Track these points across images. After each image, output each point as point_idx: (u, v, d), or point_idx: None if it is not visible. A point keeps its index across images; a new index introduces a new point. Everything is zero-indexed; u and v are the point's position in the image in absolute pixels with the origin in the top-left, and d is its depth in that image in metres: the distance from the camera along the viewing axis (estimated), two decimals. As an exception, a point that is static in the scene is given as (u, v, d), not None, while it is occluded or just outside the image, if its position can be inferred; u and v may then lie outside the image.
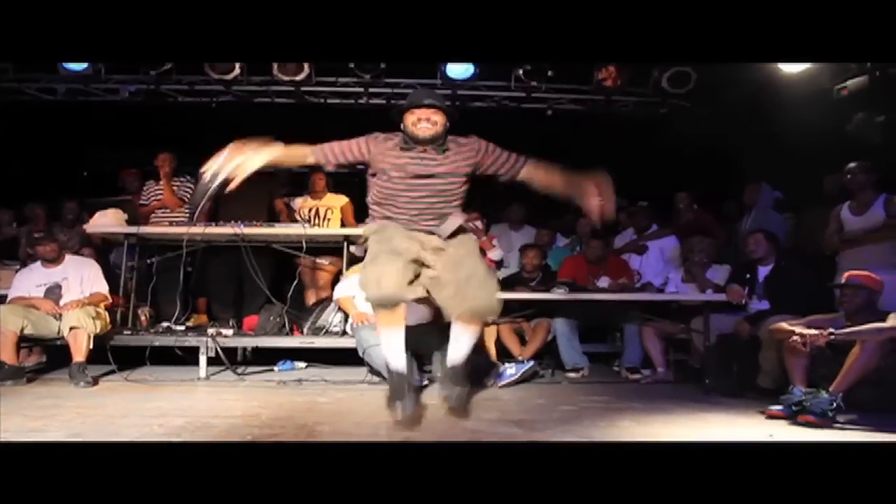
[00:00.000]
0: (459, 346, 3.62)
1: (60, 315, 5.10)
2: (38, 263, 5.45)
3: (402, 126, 3.67)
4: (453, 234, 3.70)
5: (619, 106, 7.92)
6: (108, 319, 5.39)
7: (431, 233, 3.67)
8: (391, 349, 3.65)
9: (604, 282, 5.87)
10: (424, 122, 3.57)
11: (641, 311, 5.68)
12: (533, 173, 3.88)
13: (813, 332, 3.94)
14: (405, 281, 3.46)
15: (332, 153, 3.68)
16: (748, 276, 5.29)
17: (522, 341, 5.87)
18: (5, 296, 5.37)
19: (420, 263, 3.57)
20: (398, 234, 3.61)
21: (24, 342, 5.16)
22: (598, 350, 6.23)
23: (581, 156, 8.41)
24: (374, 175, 3.73)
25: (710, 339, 5.26)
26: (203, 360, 5.30)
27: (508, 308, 5.71)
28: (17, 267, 5.84)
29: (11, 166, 7.27)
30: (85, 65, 6.95)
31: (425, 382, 4.85)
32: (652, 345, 5.55)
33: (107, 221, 5.95)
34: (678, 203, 6.97)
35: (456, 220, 3.70)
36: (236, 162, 3.40)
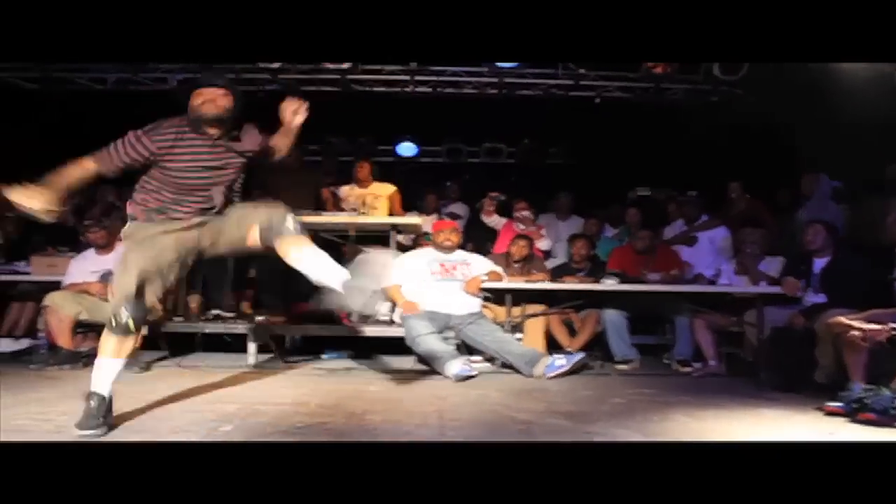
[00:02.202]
0: (310, 264, 3.26)
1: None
2: (92, 251, 5.56)
3: None
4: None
5: (669, 94, 7.79)
6: (159, 306, 5.46)
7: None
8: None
9: (653, 274, 5.76)
10: (206, 104, 3.39)
11: (692, 302, 5.58)
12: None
13: (873, 326, 3.82)
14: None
15: None
16: (803, 268, 5.16)
17: (571, 332, 5.84)
18: (60, 282, 5.47)
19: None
20: None
21: (80, 327, 5.27)
22: (648, 342, 6.12)
23: (629, 144, 8.43)
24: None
25: (764, 332, 5.15)
26: (252, 347, 5.36)
27: (557, 298, 5.69)
28: (72, 254, 5.95)
29: (64, 154, 7.39)
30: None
31: (474, 373, 4.83)
32: (703, 337, 5.45)
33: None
34: (730, 193, 6.83)
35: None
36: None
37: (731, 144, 7.23)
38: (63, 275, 5.55)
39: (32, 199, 3.08)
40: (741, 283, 5.59)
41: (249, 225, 3.29)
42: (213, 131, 3.33)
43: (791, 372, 4.67)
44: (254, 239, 3.29)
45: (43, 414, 3.43)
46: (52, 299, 5.16)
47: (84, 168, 3.29)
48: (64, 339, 5.16)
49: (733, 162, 7.19)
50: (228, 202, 3.44)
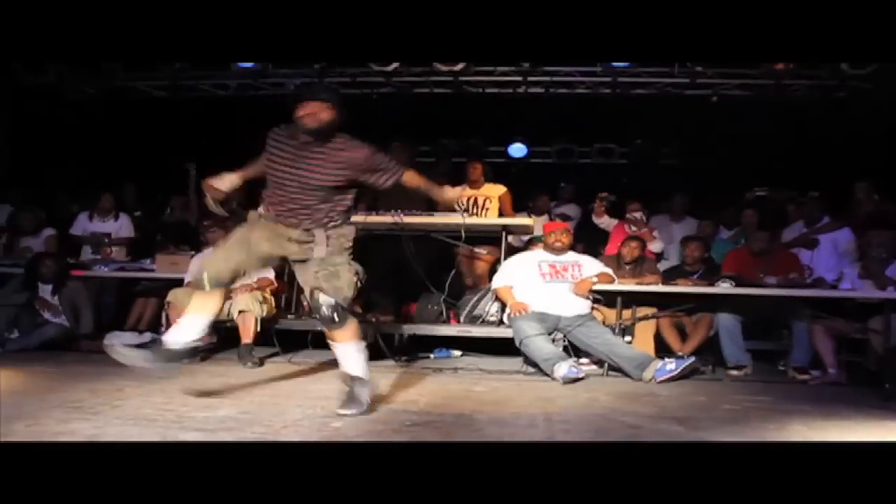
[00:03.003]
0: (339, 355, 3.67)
1: (230, 298, 5.44)
2: (211, 250, 5.84)
3: None
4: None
5: (791, 90, 7.50)
6: (273, 304, 5.72)
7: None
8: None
9: (771, 278, 5.58)
10: (307, 116, 3.51)
11: (812, 307, 5.36)
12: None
13: None
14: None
15: None
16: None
17: (683, 336, 5.73)
18: (182, 280, 5.74)
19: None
20: None
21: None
22: (763, 348, 5.94)
23: (749, 144, 8.17)
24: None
25: (892, 340, 4.91)
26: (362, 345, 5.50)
27: (668, 301, 5.59)
28: (193, 253, 6.26)
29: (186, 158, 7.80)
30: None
31: (582, 375, 4.83)
32: (823, 344, 5.24)
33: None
34: (857, 193, 6.52)
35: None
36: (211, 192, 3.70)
37: (858, 142, 6.91)
38: (185, 272, 5.84)
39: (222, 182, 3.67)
40: (866, 288, 5.34)
41: (309, 286, 3.58)
42: (310, 140, 3.51)
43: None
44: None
45: (166, 404, 3.63)
46: (174, 296, 5.42)
47: (253, 167, 3.77)
48: (184, 335, 5.46)
49: (860, 161, 6.87)
50: (328, 226, 3.60)
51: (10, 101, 7.76)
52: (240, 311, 5.35)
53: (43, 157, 8.07)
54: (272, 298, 5.72)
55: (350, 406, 3.43)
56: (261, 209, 3.73)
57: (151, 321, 6.52)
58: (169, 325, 5.71)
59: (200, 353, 5.47)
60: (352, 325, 3.59)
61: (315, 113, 3.45)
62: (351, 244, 3.68)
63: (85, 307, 6.10)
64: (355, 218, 5.61)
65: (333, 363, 5.23)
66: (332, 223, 3.59)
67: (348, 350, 3.59)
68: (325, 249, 3.54)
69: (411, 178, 3.78)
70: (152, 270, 6.34)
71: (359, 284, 3.68)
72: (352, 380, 3.52)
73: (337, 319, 3.50)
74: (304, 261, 3.60)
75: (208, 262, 3.66)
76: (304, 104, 3.47)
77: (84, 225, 7.33)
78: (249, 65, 7.58)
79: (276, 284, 5.79)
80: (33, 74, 7.68)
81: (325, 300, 3.48)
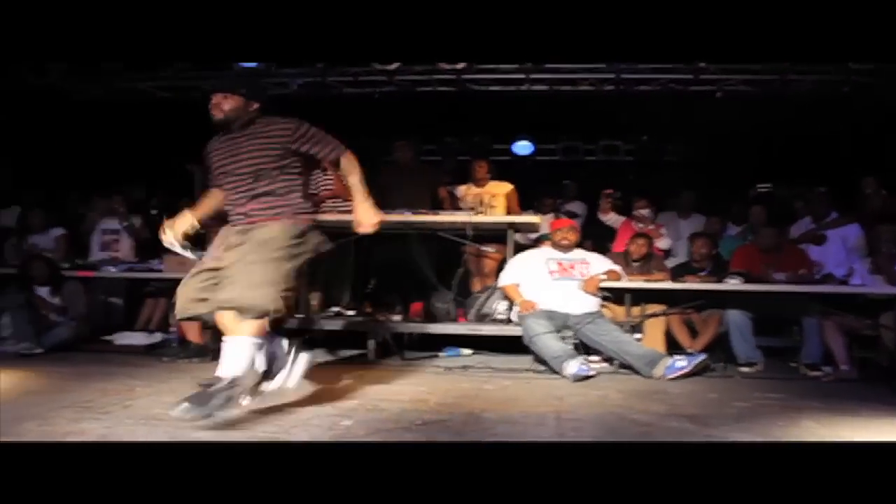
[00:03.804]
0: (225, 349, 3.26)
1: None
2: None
3: None
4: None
5: (796, 85, 7.46)
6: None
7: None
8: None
9: (780, 274, 5.55)
10: (213, 108, 3.47)
11: (822, 303, 5.34)
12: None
13: None
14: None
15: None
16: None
17: (693, 333, 5.70)
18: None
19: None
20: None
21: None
22: (773, 344, 5.91)
23: (754, 139, 8.14)
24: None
25: (903, 336, 4.89)
26: (371, 344, 5.50)
27: (677, 298, 5.57)
28: (202, 253, 6.24)
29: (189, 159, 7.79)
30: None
31: (592, 373, 4.81)
32: (834, 340, 5.21)
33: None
34: (865, 188, 6.49)
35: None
36: (172, 234, 3.55)
37: (865, 137, 6.88)
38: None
39: (177, 232, 3.55)
40: (877, 284, 5.32)
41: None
42: (233, 133, 3.49)
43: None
44: None
45: (176, 404, 3.64)
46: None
47: (213, 196, 3.68)
48: (193, 334, 5.49)
49: (867, 156, 6.84)
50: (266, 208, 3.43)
51: (15, 103, 7.74)
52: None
53: (50, 158, 8.06)
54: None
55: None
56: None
57: (161, 321, 6.54)
58: (179, 325, 5.73)
59: (211, 353, 5.48)
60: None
61: (218, 104, 3.44)
62: (294, 241, 3.39)
63: (83, 308, 6.13)
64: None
65: (343, 362, 5.26)
66: (273, 210, 3.42)
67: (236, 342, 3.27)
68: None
69: (350, 167, 3.56)
70: (160, 271, 6.33)
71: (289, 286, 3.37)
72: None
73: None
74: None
75: (180, 290, 3.42)
76: (209, 99, 3.47)
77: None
78: (252, 64, 7.56)
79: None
80: (37, 76, 7.68)
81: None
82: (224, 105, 3.42)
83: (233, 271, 3.23)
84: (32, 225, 7.16)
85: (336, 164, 3.59)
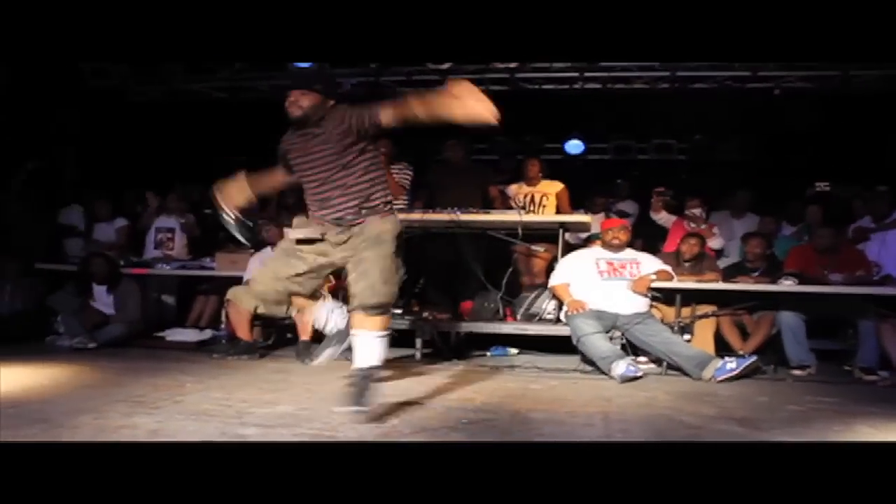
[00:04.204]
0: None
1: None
2: (269, 248, 5.94)
3: None
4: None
5: (857, 81, 7.29)
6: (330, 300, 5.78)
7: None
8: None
9: (836, 275, 5.44)
10: (290, 105, 3.45)
11: (880, 306, 5.22)
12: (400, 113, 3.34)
13: None
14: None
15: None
16: None
17: (744, 335, 5.63)
18: (241, 278, 5.83)
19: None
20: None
21: (257, 320, 5.67)
22: (827, 347, 5.80)
23: (812, 138, 7.97)
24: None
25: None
26: (419, 343, 5.56)
27: (729, 299, 5.51)
28: (252, 251, 6.37)
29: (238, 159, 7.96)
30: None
31: (640, 374, 4.79)
32: (891, 344, 5.10)
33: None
34: (927, 187, 6.33)
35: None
36: (223, 196, 3.62)
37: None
38: (244, 270, 5.96)
39: (231, 197, 3.60)
40: (937, 287, 5.19)
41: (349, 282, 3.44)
42: (307, 129, 3.48)
43: None
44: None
45: (225, 400, 3.75)
46: (233, 294, 5.54)
47: (274, 177, 3.74)
48: (243, 332, 5.60)
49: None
50: (364, 211, 3.44)
51: (78, 104, 8.00)
52: (298, 309, 5.43)
53: (110, 158, 8.30)
54: (329, 296, 5.78)
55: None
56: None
57: (211, 318, 6.70)
58: (228, 322, 5.86)
59: (259, 350, 5.60)
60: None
61: (296, 101, 3.44)
62: (394, 236, 3.44)
63: (136, 308, 6.26)
64: (413, 216, 5.72)
65: (390, 360, 5.31)
66: (369, 206, 3.44)
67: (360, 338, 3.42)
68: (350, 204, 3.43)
69: (393, 107, 3.35)
70: (212, 269, 6.47)
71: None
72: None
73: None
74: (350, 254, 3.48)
75: (255, 280, 3.68)
76: (286, 96, 3.49)
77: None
78: (306, 65, 7.68)
79: (332, 281, 5.86)
80: (99, 78, 7.92)
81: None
82: (302, 102, 3.44)
83: (354, 269, 3.38)
84: (99, 214, 7.42)
85: (386, 118, 3.37)
